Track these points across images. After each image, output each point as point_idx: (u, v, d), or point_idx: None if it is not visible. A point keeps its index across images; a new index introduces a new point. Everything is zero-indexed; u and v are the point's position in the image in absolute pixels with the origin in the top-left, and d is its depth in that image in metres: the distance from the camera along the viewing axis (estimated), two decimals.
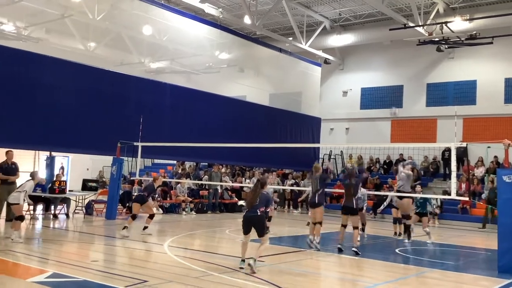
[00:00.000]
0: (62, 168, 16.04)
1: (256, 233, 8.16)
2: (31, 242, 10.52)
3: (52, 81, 13.87)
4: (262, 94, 22.60)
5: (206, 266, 8.22)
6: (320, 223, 10.65)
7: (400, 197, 12.79)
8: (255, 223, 8.16)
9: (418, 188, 13.60)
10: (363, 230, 13.15)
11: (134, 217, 11.79)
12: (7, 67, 12.92)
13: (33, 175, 10.58)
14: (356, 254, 9.98)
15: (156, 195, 12.39)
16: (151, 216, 12.13)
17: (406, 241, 12.43)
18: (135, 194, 14.62)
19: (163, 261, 8.73)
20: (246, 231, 8.24)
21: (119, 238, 11.18)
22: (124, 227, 11.46)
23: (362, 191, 12.74)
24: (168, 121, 16.98)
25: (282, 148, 18.31)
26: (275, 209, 18.78)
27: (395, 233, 13.73)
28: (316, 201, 10.59)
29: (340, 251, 10.32)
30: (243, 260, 8.15)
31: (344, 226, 10.67)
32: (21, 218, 10.17)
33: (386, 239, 13.22)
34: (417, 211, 12.77)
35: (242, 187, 21.11)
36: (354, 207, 10.47)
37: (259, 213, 8.14)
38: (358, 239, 10.74)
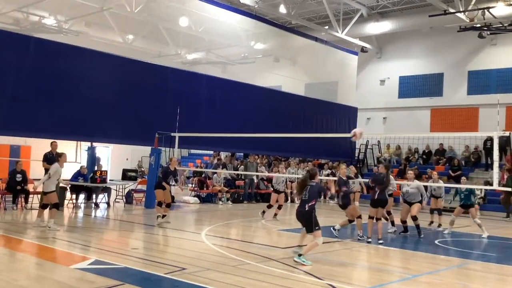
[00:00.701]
0: (99, 159, 16.53)
1: (305, 230, 8.11)
2: (74, 230, 10.86)
3: (92, 73, 14.18)
4: (298, 84, 22.48)
5: (243, 255, 8.29)
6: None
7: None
8: (302, 219, 8.03)
9: (464, 179, 13.31)
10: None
11: (160, 204, 11.81)
12: (49, 60, 13.29)
13: (58, 156, 10.82)
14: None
15: (175, 180, 12.21)
16: (168, 205, 11.92)
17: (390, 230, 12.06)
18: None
19: (201, 250, 8.85)
20: (302, 225, 8.19)
21: (158, 226, 11.40)
22: (157, 217, 11.64)
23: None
24: (204, 111, 17.12)
25: (317, 138, 18.19)
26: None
27: (431, 223, 13.76)
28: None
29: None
30: (299, 246, 8.34)
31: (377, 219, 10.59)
32: (56, 205, 10.26)
33: (424, 230, 12.99)
34: (461, 203, 12.46)
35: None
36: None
37: (307, 208, 7.88)
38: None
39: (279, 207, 13.80)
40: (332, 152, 21.79)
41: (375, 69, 25.95)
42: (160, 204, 11.88)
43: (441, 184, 12.42)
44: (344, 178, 11.01)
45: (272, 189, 14.35)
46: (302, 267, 7.48)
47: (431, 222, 13.81)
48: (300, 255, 7.80)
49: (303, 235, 8.46)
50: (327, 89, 23.16)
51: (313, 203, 7.92)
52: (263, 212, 13.82)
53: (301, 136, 16.51)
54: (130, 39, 21.29)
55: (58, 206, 10.49)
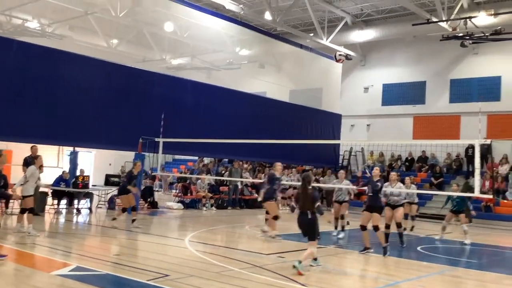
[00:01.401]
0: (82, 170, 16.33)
1: (307, 238, 7.94)
2: (55, 235, 10.71)
3: (76, 77, 14.05)
4: (283, 90, 22.56)
5: (227, 261, 8.26)
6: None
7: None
8: (305, 227, 7.90)
9: (455, 187, 13.45)
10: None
11: (124, 210, 12.12)
12: (31, 64, 13.14)
13: (32, 159, 10.71)
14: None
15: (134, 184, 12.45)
16: (134, 208, 12.23)
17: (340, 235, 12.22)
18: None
19: (184, 256, 8.79)
20: (304, 234, 7.97)
21: (141, 232, 11.30)
22: (113, 219, 11.90)
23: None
24: (189, 117, 17.07)
25: (302, 144, 18.25)
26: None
27: (412, 228, 13.88)
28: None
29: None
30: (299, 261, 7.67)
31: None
32: (31, 210, 10.05)
33: (407, 236, 13.08)
34: (454, 209, 12.62)
35: (262, 183, 21.11)
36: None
37: (310, 216, 7.81)
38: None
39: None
40: (316, 158, 21.88)
41: (359, 76, 26.16)
42: (124, 210, 12.03)
43: (414, 190, 12.46)
44: (278, 176, 11.22)
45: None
46: (285, 273, 7.47)
47: (412, 227, 13.89)
48: (300, 262, 7.63)
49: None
50: (311, 95, 23.27)
51: (313, 212, 7.83)
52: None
53: (285, 142, 16.54)
54: (114, 43, 21.16)
55: (33, 210, 10.26)
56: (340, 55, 10.15)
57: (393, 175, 11.60)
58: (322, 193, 22.13)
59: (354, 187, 12.63)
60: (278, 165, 11.63)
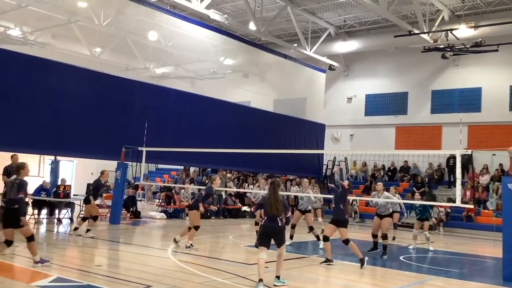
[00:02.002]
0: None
1: (276, 244, 7.52)
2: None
3: (58, 86, 13.92)
4: (267, 100, 22.62)
5: (210, 272, 8.21)
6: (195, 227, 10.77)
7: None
8: (275, 235, 7.48)
9: (417, 196, 13.62)
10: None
11: (85, 219, 12.12)
12: (13, 71, 12.98)
13: (18, 168, 10.57)
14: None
15: (103, 193, 12.61)
16: (94, 218, 12.17)
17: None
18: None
19: (167, 266, 8.72)
20: (265, 243, 7.42)
21: (123, 242, 11.18)
22: (87, 230, 11.87)
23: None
24: (172, 126, 17.00)
25: (286, 154, 18.31)
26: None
27: (393, 238, 13.72)
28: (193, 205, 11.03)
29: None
30: (261, 280, 7.18)
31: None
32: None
33: (389, 246, 13.15)
34: (417, 217, 12.80)
35: (245, 193, 21.09)
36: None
37: (280, 224, 7.46)
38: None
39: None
40: (300, 168, 21.93)
41: (342, 87, 26.37)
42: (85, 219, 12.07)
43: (395, 199, 12.60)
44: (215, 189, 11.43)
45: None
46: (269, 283, 7.44)
47: (394, 238, 13.90)
48: (278, 277, 7.49)
49: (264, 260, 7.42)
50: (295, 105, 23.38)
51: (284, 217, 7.51)
52: None
53: (269, 152, 16.57)
54: (97, 52, 21.01)
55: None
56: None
57: (379, 185, 11.76)
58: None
59: (319, 195, 12.71)
60: (218, 180, 11.59)
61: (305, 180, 13.50)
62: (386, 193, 11.72)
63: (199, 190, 12.56)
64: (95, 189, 12.39)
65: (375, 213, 11.67)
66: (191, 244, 10.63)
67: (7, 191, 7.89)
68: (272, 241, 7.53)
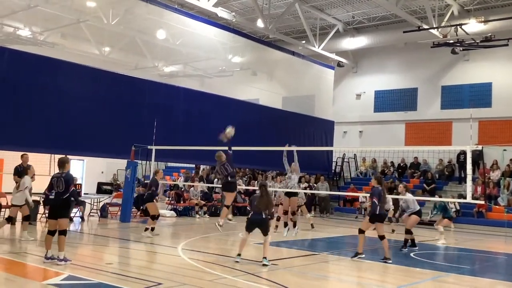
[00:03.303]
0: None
1: (262, 233, 8.94)
2: None
3: (68, 85, 14.00)
4: (275, 97, 22.58)
5: (220, 269, 8.23)
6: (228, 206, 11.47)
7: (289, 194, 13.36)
8: (260, 225, 8.95)
9: (401, 188, 13.68)
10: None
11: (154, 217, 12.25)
12: (23, 71, 13.08)
13: (26, 169, 10.86)
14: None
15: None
16: (155, 217, 12.36)
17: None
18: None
19: (177, 264, 8.75)
20: (250, 230, 9.07)
21: (133, 240, 11.23)
22: (146, 229, 12.00)
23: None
24: (181, 124, 17.03)
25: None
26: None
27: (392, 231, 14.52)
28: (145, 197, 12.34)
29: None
30: (239, 255, 8.90)
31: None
32: (27, 218, 10.65)
33: (397, 243, 13.10)
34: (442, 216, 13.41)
35: (254, 190, 21.09)
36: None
37: (264, 216, 8.91)
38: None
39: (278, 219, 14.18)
40: (309, 165, 21.86)
41: (351, 83, 26.27)
42: (154, 217, 12.33)
43: (407, 197, 12.62)
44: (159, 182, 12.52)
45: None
46: (279, 280, 7.46)
47: (393, 231, 14.15)
48: (264, 258, 8.72)
49: (245, 240, 9.18)
50: (304, 102, 23.32)
51: (267, 211, 8.97)
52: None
53: (278, 149, 16.54)
54: (106, 51, 21.09)
55: (29, 218, 10.98)
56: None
57: (401, 187, 12.52)
58: (315, 199, 22.19)
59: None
60: (160, 172, 13.10)
61: (293, 164, 13.92)
62: (409, 194, 12.40)
63: (209, 187, 12.93)
64: (156, 188, 12.59)
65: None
66: (151, 228, 11.71)
67: (53, 185, 8.30)
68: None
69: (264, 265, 8.63)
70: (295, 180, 13.33)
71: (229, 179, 11.24)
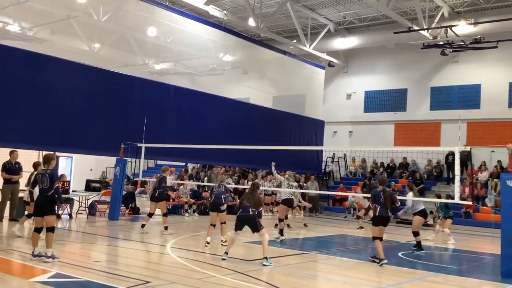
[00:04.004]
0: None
1: (252, 230, 8.95)
2: None
3: (57, 81, 13.90)
4: (266, 96, 22.59)
5: (209, 268, 8.22)
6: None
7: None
8: (248, 222, 8.94)
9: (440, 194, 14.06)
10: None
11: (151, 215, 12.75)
12: (12, 67, 12.96)
13: (35, 165, 10.80)
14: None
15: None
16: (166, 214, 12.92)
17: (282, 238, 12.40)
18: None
19: (166, 262, 8.73)
20: (239, 228, 9.04)
21: (121, 238, 11.17)
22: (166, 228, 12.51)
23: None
24: (171, 122, 16.98)
25: (285, 150, 18.29)
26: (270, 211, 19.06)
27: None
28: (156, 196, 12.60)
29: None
30: (226, 253, 8.97)
31: (380, 238, 9.63)
32: (30, 216, 10.55)
33: (387, 242, 13.17)
34: (443, 216, 13.75)
35: (244, 189, 21.07)
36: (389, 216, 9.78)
37: (251, 213, 8.91)
38: None
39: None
40: (299, 164, 21.92)
41: (341, 83, 26.36)
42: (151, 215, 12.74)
43: (410, 197, 12.70)
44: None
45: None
46: (268, 280, 7.46)
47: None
48: (266, 258, 8.63)
49: (234, 239, 9.18)
50: (294, 102, 23.35)
51: (255, 209, 8.98)
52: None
53: (268, 148, 16.56)
54: (96, 47, 20.93)
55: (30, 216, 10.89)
56: None
57: (407, 188, 12.93)
58: (305, 199, 22.23)
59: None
60: (168, 169, 13.82)
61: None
62: (410, 193, 12.49)
63: (198, 186, 13.02)
64: (167, 186, 13.00)
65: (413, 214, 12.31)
66: (165, 227, 12.31)
67: (38, 181, 8.13)
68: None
69: (264, 265, 8.56)
70: (283, 187, 13.14)
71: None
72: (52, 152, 8.91)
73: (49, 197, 8.06)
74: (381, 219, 9.55)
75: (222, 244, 10.55)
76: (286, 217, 13.40)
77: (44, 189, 8.05)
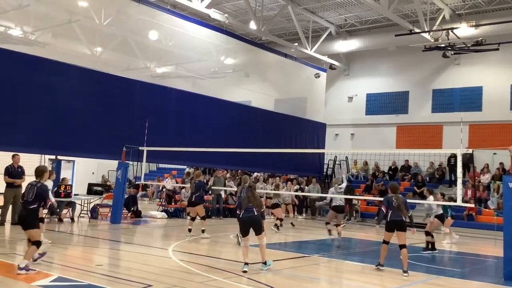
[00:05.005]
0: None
1: (255, 233, 8.68)
2: None
3: (59, 85, 13.93)
4: (267, 99, 22.60)
5: (211, 271, 8.21)
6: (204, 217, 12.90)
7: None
8: (252, 223, 8.69)
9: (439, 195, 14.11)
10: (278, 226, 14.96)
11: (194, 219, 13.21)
12: (14, 71, 12.99)
13: (50, 173, 10.97)
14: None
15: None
16: (204, 218, 13.17)
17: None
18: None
19: (168, 266, 8.72)
20: (246, 233, 8.70)
21: (124, 242, 11.17)
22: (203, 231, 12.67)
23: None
24: (173, 125, 17.00)
25: (287, 153, 18.30)
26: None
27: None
28: (193, 200, 12.87)
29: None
30: (246, 264, 8.37)
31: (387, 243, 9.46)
32: (41, 220, 10.42)
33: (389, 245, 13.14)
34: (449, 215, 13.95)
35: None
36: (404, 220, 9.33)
37: (256, 213, 8.71)
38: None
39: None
40: (301, 167, 21.91)
41: (343, 86, 26.36)
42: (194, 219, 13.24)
43: (431, 201, 12.89)
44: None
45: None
46: (269, 283, 7.45)
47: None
48: (264, 263, 8.50)
49: (247, 247, 8.68)
50: (296, 104, 23.36)
51: (257, 210, 8.76)
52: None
53: (270, 151, 16.58)
54: (98, 51, 20.96)
55: (43, 220, 10.74)
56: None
57: (426, 192, 13.41)
58: (306, 201, 22.20)
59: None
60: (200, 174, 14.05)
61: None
62: (431, 196, 12.92)
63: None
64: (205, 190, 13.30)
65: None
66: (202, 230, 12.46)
67: (25, 193, 7.81)
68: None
69: (262, 270, 8.46)
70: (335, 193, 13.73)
71: None
72: (45, 164, 8.76)
73: (31, 210, 7.66)
74: (395, 223, 9.24)
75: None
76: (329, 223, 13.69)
77: (28, 201, 7.66)
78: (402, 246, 9.05)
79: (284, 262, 9.68)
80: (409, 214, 9.29)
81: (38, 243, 7.66)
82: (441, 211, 12.49)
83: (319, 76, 23.70)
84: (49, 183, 10.89)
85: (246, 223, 8.74)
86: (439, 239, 14.28)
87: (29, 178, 11.93)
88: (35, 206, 7.66)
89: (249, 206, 8.71)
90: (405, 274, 8.85)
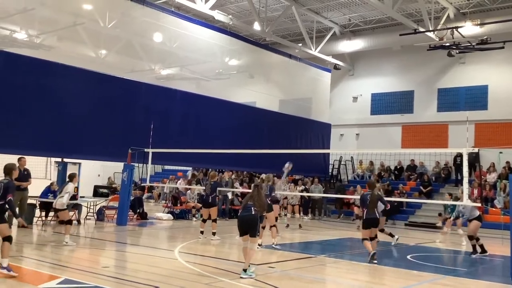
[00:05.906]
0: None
1: (249, 234, 8.14)
2: (42, 248, 10.59)
3: (64, 88, 13.99)
4: (272, 100, 22.59)
5: (217, 272, 8.21)
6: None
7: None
8: (248, 223, 8.21)
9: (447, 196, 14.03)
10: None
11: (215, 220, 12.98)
12: (19, 74, 13.06)
13: (71, 177, 11.05)
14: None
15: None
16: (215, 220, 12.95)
17: None
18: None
19: (174, 267, 8.73)
20: (245, 233, 8.22)
21: (130, 244, 11.20)
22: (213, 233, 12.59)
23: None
24: (178, 127, 17.02)
25: (292, 154, 18.24)
26: (285, 215, 18.86)
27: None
28: (210, 201, 12.68)
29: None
30: (249, 266, 8.05)
31: (372, 239, 10.13)
32: (69, 222, 10.98)
33: (397, 245, 13.11)
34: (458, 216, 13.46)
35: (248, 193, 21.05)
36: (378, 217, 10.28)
37: (253, 213, 8.23)
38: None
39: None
40: (306, 168, 21.88)
41: (347, 86, 26.32)
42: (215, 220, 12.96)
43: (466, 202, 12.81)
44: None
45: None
46: (275, 283, 7.44)
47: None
48: (245, 270, 7.88)
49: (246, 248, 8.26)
50: (301, 105, 23.34)
51: (257, 210, 8.32)
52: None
53: (275, 152, 16.56)
54: (103, 54, 21.03)
55: (71, 222, 11.42)
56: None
57: (460, 192, 13.43)
58: (309, 202, 22.15)
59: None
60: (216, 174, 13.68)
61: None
62: (468, 200, 12.49)
63: (205, 190, 13.11)
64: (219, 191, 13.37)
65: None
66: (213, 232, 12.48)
67: None
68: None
69: (242, 277, 7.79)
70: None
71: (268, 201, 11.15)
72: (13, 162, 8.49)
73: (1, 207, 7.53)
74: (369, 221, 10.03)
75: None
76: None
77: None
78: (373, 238, 10.08)
79: (290, 263, 9.67)
80: (388, 208, 10.66)
81: (9, 238, 7.55)
82: (478, 213, 12.13)
83: None
84: (71, 187, 11.15)
85: (241, 222, 8.32)
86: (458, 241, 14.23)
87: (35, 180, 12.02)
88: (2, 202, 7.55)
89: (249, 205, 8.33)
90: (374, 261, 9.69)
